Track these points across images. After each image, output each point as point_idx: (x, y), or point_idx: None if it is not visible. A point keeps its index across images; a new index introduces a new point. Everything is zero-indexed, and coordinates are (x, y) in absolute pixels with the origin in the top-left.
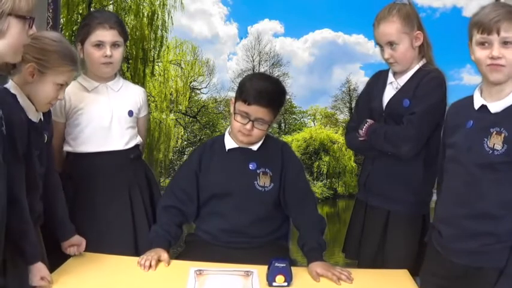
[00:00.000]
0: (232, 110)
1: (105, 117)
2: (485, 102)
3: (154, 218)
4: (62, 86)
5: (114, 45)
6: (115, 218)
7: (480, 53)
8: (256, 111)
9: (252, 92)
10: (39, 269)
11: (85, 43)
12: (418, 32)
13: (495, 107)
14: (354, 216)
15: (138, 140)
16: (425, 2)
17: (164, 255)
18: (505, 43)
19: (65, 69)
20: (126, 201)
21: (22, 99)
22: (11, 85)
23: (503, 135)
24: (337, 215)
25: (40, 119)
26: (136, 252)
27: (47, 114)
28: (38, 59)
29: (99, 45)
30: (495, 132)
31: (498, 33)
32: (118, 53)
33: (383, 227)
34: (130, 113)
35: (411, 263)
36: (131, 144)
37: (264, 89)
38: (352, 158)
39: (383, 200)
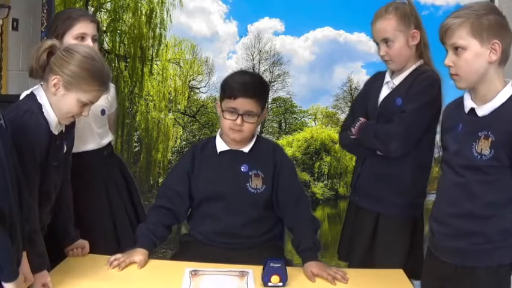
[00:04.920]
0: (219, 111)
1: (78, 119)
2: (474, 106)
3: (135, 214)
4: (87, 104)
5: (94, 39)
6: (94, 217)
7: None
8: (243, 103)
9: (236, 86)
10: (41, 276)
11: (65, 36)
12: (415, 31)
13: (482, 110)
14: (347, 218)
15: (110, 137)
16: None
17: (139, 257)
18: (455, 49)
19: (92, 89)
20: (104, 199)
21: (47, 110)
22: (40, 93)
23: (490, 139)
24: (338, 216)
25: (61, 130)
26: (119, 250)
27: (70, 125)
28: (65, 74)
29: (82, 37)
30: (483, 136)
31: (445, 41)
32: (96, 47)
33: (373, 229)
34: (103, 112)
35: (401, 266)
36: (105, 143)
37: (247, 81)
38: (354, 158)
39: (372, 202)
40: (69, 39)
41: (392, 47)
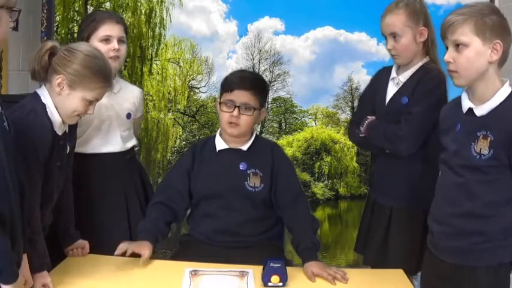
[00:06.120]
0: (218, 108)
1: (104, 120)
2: (472, 105)
3: None
4: (92, 101)
5: (120, 40)
6: (110, 219)
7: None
8: (240, 95)
9: (234, 79)
10: (41, 276)
11: (91, 39)
12: (423, 28)
13: (481, 110)
14: (364, 213)
15: (134, 141)
16: None
17: (145, 252)
18: (456, 46)
19: (96, 87)
20: (122, 201)
21: (51, 111)
22: (43, 93)
23: (489, 139)
24: (338, 216)
25: (65, 131)
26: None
27: (73, 125)
28: (68, 73)
29: (106, 39)
30: (482, 136)
31: (446, 37)
32: (123, 49)
33: (387, 224)
34: (129, 116)
35: (413, 259)
36: (128, 146)
37: (244, 76)
38: (354, 158)
39: (385, 197)
40: (95, 41)
41: (400, 41)
